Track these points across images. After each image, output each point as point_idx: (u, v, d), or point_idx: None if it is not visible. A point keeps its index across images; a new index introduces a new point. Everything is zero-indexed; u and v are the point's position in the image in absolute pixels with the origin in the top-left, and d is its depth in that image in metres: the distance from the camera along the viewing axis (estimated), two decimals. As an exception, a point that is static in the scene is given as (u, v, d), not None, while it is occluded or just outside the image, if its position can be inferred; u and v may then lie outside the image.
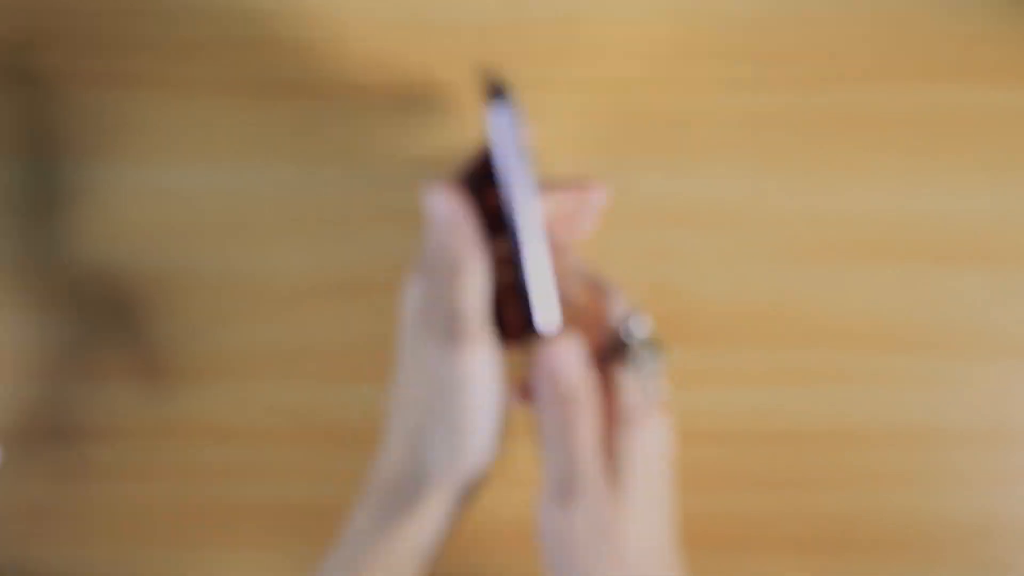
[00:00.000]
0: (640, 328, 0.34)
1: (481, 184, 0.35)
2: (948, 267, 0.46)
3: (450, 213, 0.33)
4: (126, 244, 0.45)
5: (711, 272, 0.46)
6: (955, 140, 0.46)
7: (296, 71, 0.45)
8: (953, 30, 0.46)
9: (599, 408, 0.33)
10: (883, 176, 0.46)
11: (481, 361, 0.33)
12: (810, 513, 0.46)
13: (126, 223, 0.45)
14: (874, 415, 0.46)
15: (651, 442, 0.33)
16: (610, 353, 0.34)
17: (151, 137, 0.45)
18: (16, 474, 0.45)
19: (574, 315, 0.36)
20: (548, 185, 0.37)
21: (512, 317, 0.35)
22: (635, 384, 0.33)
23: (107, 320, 0.45)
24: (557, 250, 0.36)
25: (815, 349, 0.46)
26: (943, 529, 0.46)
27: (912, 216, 0.46)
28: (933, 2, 0.46)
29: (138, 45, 0.45)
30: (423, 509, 0.34)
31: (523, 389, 0.37)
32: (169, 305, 0.45)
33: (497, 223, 0.34)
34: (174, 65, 0.45)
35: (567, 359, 0.33)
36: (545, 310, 0.34)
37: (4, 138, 0.45)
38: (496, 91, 0.32)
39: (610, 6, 0.45)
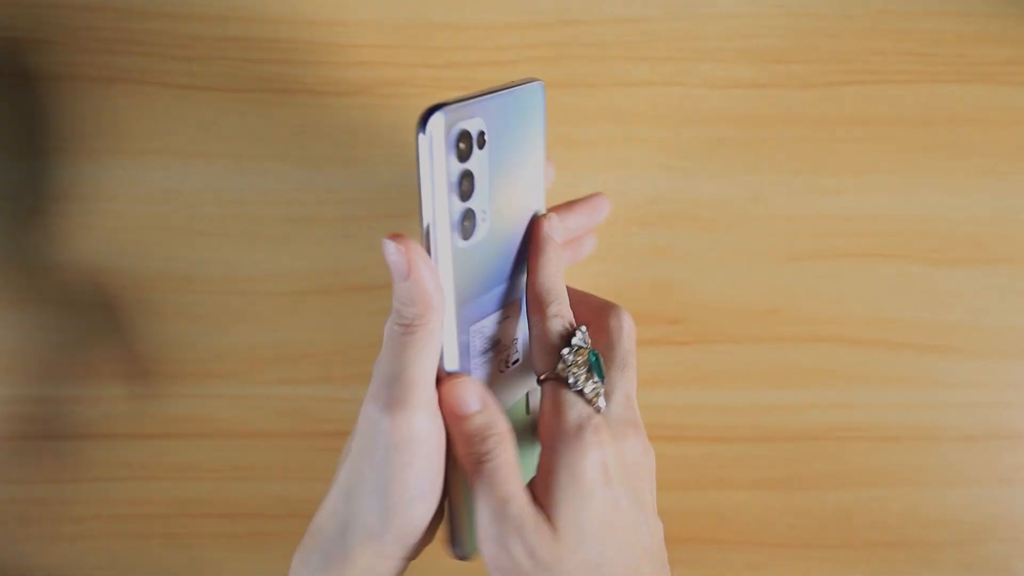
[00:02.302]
0: (579, 341, 0.33)
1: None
2: (948, 267, 0.46)
3: (404, 265, 0.30)
4: (126, 244, 0.45)
5: (711, 272, 0.46)
6: (955, 140, 0.46)
7: (296, 71, 0.45)
8: (953, 30, 0.46)
9: (513, 438, 0.32)
10: (883, 176, 0.46)
11: (418, 431, 0.30)
12: (810, 513, 0.46)
13: (126, 223, 0.45)
14: (874, 415, 0.46)
15: (587, 465, 0.31)
16: (552, 366, 0.33)
17: (151, 137, 0.45)
18: (15, 474, 0.45)
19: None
20: (560, 209, 0.38)
21: None
22: (573, 401, 0.32)
23: (106, 320, 0.45)
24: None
25: (815, 349, 0.46)
26: (943, 529, 0.46)
27: (912, 216, 0.46)
28: (933, 2, 0.46)
29: (138, 45, 0.45)
30: (349, 570, 0.32)
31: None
32: (169, 305, 0.45)
33: None
34: (174, 65, 0.45)
35: (462, 395, 0.31)
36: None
37: (3, 138, 0.45)
38: (429, 112, 0.28)
39: (610, 6, 0.45)
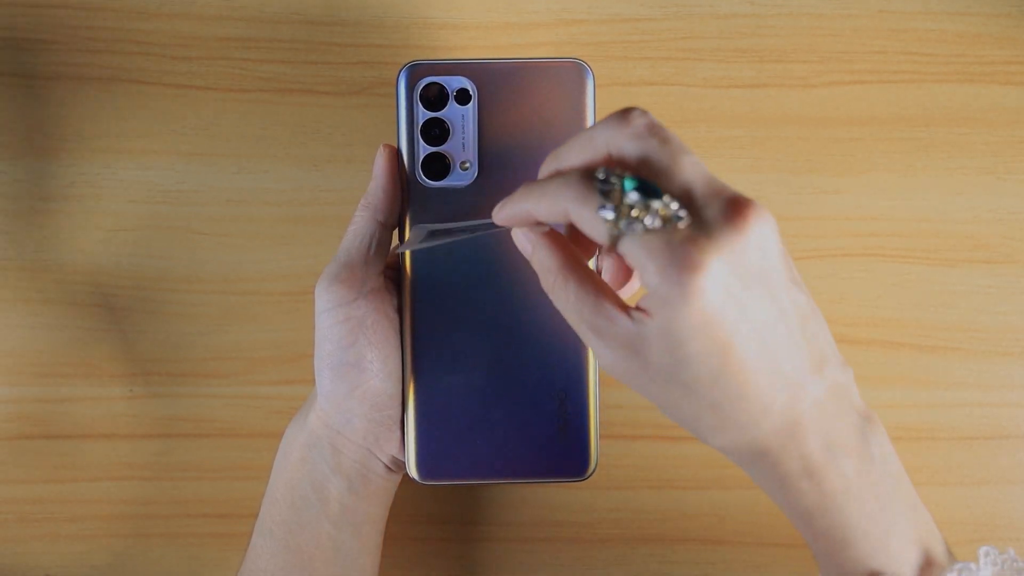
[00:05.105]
0: (603, 176, 0.26)
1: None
2: (948, 267, 0.46)
3: (379, 164, 0.34)
4: (126, 244, 0.45)
5: (711, 272, 0.46)
6: (955, 140, 0.46)
7: (296, 71, 0.45)
8: (953, 30, 0.46)
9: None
10: (883, 176, 0.46)
11: (328, 299, 0.33)
12: (810, 513, 0.46)
13: (126, 223, 0.45)
14: (874, 415, 0.46)
15: (672, 319, 0.26)
16: (605, 232, 0.26)
17: (151, 137, 0.45)
18: (15, 474, 0.45)
19: None
20: None
21: None
22: (634, 251, 0.26)
23: (106, 320, 0.45)
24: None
25: (815, 349, 0.46)
26: (943, 529, 0.46)
27: (912, 216, 0.46)
28: (933, 2, 0.46)
29: (138, 45, 0.45)
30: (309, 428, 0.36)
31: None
32: (169, 305, 0.45)
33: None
34: (174, 65, 0.45)
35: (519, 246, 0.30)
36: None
37: (3, 138, 0.45)
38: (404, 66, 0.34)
39: (610, 6, 0.45)
